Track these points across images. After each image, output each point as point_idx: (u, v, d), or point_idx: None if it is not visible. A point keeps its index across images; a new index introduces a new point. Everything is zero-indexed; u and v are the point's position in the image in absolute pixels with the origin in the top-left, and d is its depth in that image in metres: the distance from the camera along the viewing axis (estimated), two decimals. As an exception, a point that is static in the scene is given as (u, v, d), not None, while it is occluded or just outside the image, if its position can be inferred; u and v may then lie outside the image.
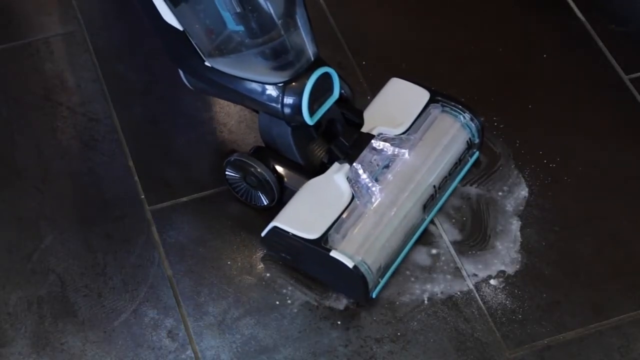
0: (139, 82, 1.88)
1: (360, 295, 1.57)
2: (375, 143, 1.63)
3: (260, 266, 1.64)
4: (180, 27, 1.55)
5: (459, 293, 1.60)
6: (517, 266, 1.63)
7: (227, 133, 1.80)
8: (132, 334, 1.57)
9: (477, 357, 1.54)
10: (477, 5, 2.00)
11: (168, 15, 1.54)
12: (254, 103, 1.59)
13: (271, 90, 1.55)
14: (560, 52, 1.93)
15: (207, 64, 1.58)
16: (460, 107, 1.70)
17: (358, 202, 1.58)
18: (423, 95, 1.71)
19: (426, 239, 1.66)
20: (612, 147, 1.78)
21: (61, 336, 1.57)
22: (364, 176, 1.59)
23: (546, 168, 1.75)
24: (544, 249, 1.65)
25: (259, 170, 1.63)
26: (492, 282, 1.62)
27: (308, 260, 1.58)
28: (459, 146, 1.68)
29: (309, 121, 1.57)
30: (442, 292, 1.60)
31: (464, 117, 1.69)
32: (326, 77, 1.57)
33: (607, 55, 1.91)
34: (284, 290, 1.61)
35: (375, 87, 1.80)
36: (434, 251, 1.65)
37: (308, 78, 1.54)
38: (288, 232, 1.56)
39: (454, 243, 1.66)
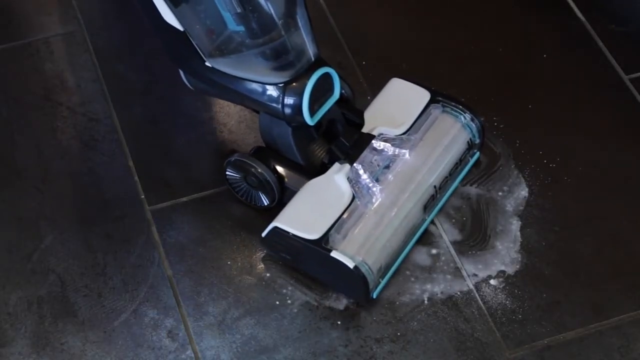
0: (139, 82, 1.88)
1: (360, 296, 1.57)
2: (375, 143, 1.63)
3: (260, 266, 1.64)
4: (180, 28, 1.55)
5: (459, 293, 1.60)
6: (517, 266, 1.63)
7: (227, 133, 1.80)
8: (132, 334, 1.57)
9: (477, 357, 1.54)
10: (477, 5, 2.00)
11: (168, 16, 1.54)
12: (254, 103, 1.60)
13: (272, 91, 1.55)
14: (560, 52, 1.93)
15: (207, 64, 1.58)
16: (460, 107, 1.70)
17: (359, 202, 1.58)
18: (424, 95, 1.71)
19: (426, 239, 1.66)
20: (612, 147, 1.78)
21: (61, 336, 1.57)
22: (364, 176, 1.59)
23: (546, 168, 1.75)
24: (544, 249, 1.65)
25: (259, 170, 1.63)
26: (492, 282, 1.62)
27: (309, 261, 1.58)
28: (459, 146, 1.68)
29: (310, 121, 1.57)
30: (442, 292, 1.60)
31: (464, 117, 1.69)
32: (327, 77, 1.57)
33: (607, 55, 1.91)
34: (284, 290, 1.61)
35: (375, 87, 1.80)
36: (434, 251, 1.65)
37: (309, 78, 1.54)
38: (288, 233, 1.56)
39: (454, 243, 1.66)
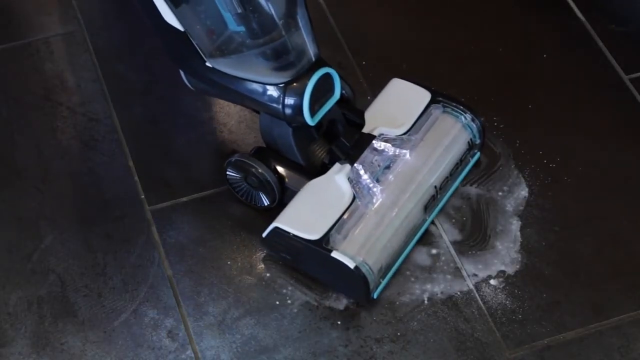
0: (139, 82, 1.88)
1: (361, 296, 1.57)
2: (376, 143, 1.63)
3: (260, 266, 1.64)
4: (181, 28, 1.55)
5: (459, 293, 1.60)
6: (517, 266, 1.63)
7: (227, 133, 1.80)
8: (132, 334, 1.57)
9: (477, 357, 1.54)
10: (477, 5, 2.00)
11: (169, 16, 1.54)
12: (254, 104, 1.60)
13: (272, 91, 1.55)
14: (560, 52, 1.93)
15: (208, 64, 1.58)
16: (461, 107, 1.70)
17: (359, 202, 1.58)
18: (424, 95, 1.71)
19: (426, 239, 1.66)
20: (612, 147, 1.78)
21: (61, 336, 1.57)
22: (365, 177, 1.59)
23: (546, 168, 1.75)
24: (544, 249, 1.65)
25: (260, 170, 1.63)
26: (492, 282, 1.62)
27: (309, 261, 1.58)
28: (460, 147, 1.68)
29: (310, 122, 1.57)
30: (442, 292, 1.60)
31: (465, 117, 1.69)
32: (327, 77, 1.57)
33: (607, 55, 1.91)
34: (284, 290, 1.61)
35: (376, 87, 1.80)
36: (434, 251, 1.65)
37: (309, 78, 1.54)
38: (289, 233, 1.56)
39: (454, 243, 1.66)
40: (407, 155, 1.63)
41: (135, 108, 1.84)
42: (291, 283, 1.61)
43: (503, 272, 1.63)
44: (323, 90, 1.58)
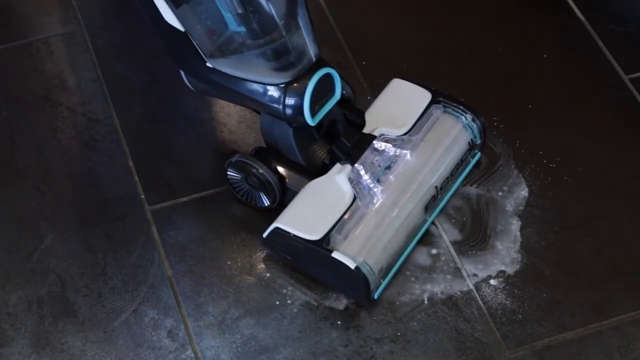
0: (139, 82, 1.88)
1: (362, 297, 1.57)
2: (377, 144, 1.63)
3: (260, 266, 1.64)
4: (181, 28, 1.55)
5: (459, 293, 1.60)
6: (517, 266, 1.63)
7: (227, 133, 1.80)
8: (132, 334, 1.57)
9: (477, 357, 1.54)
10: (477, 5, 2.00)
11: (169, 16, 1.54)
12: (255, 104, 1.60)
13: (273, 91, 1.55)
14: (560, 52, 1.93)
15: (208, 64, 1.58)
16: (462, 108, 1.70)
17: (360, 203, 1.58)
18: (425, 96, 1.71)
19: (426, 239, 1.66)
20: (612, 147, 1.78)
21: (61, 336, 1.57)
22: (365, 177, 1.59)
23: (546, 168, 1.75)
24: (544, 249, 1.65)
25: (260, 171, 1.63)
26: (492, 282, 1.62)
27: (310, 261, 1.58)
28: (460, 147, 1.68)
29: (311, 122, 1.57)
30: (442, 292, 1.61)
31: (465, 118, 1.69)
32: (328, 77, 1.57)
33: (607, 55, 1.91)
34: (284, 290, 1.61)
35: (376, 87, 1.80)
36: (434, 251, 1.65)
37: (310, 79, 1.54)
38: (290, 233, 1.56)
39: (454, 243, 1.66)
40: (408, 156, 1.63)
41: (135, 108, 1.84)
42: (291, 283, 1.61)
43: (503, 272, 1.63)
44: (324, 90, 1.58)
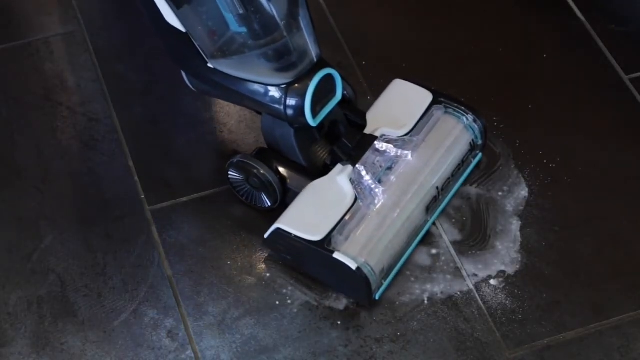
0: (139, 82, 1.88)
1: (363, 297, 1.57)
2: (378, 144, 1.63)
3: (260, 266, 1.64)
4: (182, 29, 1.55)
5: (459, 293, 1.60)
6: (517, 266, 1.63)
7: (227, 133, 1.80)
8: (132, 334, 1.57)
9: (477, 357, 1.54)
10: (477, 5, 2.01)
11: (170, 17, 1.54)
12: (256, 104, 1.59)
13: (274, 92, 1.55)
14: (560, 52, 1.93)
15: (209, 65, 1.58)
16: (463, 108, 1.70)
17: (361, 203, 1.58)
18: (426, 96, 1.71)
19: (426, 239, 1.66)
20: (612, 147, 1.78)
21: (61, 336, 1.57)
22: (366, 178, 1.59)
23: (546, 168, 1.75)
24: (544, 249, 1.65)
25: (262, 172, 1.63)
26: (492, 282, 1.62)
27: (311, 262, 1.58)
28: (462, 147, 1.68)
29: (312, 123, 1.57)
30: (442, 292, 1.61)
31: (467, 118, 1.69)
32: (329, 78, 1.57)
33: (607, 55, 1.91)
34: (284, 290, 1.61)
35: (376, 87, 1.80)
36: (434, 251, 1.65)
37: (311, 79, 1.54)
38: (291, 234, 1.56)
39: (454, 243, 1.66)
40: (409, 156, 1.63)
41: (135, 108, 1.84)
42: (291, 283, 1.61)
43: (503, 272, 1.63)
44: (325, 91, 1.58)
